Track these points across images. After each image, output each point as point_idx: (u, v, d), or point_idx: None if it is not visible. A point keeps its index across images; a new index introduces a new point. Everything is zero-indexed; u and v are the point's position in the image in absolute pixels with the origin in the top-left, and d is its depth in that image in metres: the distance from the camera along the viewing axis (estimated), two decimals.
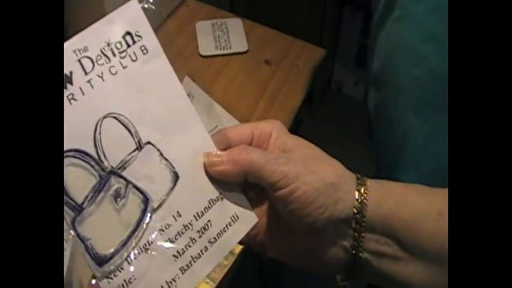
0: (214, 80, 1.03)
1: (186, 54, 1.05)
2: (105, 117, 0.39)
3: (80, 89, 0.38)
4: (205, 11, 1.15)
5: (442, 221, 0.40)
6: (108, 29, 0.40)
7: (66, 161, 0.38)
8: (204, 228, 0.42)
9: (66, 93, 0.38)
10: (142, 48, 0.41)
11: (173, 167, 0.41)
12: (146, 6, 0.41)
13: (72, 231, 0.38)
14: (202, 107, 0.45)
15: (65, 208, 0.37)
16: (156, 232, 0.40)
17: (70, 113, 0.38)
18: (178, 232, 0.41)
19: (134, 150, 0.40)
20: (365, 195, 0.41)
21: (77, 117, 0.38)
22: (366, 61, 0.75)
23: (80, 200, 0.38)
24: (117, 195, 0.39)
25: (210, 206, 0.42)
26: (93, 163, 0.39)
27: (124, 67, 0.40)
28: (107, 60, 0.39)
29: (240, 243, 0.44)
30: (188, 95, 0.43)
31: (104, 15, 0.40)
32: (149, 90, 0.41)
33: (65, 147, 0.38)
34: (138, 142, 0.40)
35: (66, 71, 0.38)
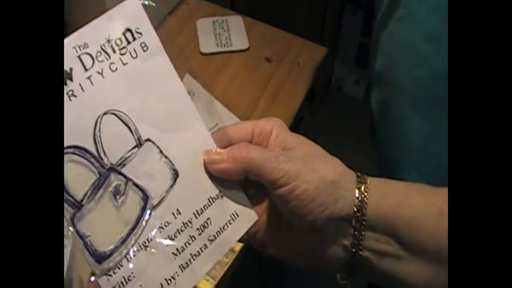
0: (215, 78, 1.02)
1: (187, 52, 1.05)
2: (105, 113, 0.39)
3: (80, 85, 0.38)
4: (206, 9, 1.15)
5: (442, 220, 0.40)
6: (108, 26, 0.39)
7: (66, 157, 0.37)
8: (204, 226, 0.42)
9: (66, 89, 0.38)
10: (143, 45, 0.41)
11: (173, 165, 0.41)
12: (146, 3, 0.41)
13: (71, 228, 0.38)
14: (202, 104, 0.45)
15: (65, 205, 0.37)
16: (155, 229, 0.40)
17: (70, 109, 0.38)
18: (177, 230, 0.41)
19: (134, 147, 0.40)
20: (365, 194, 0.41)
21: (77, 113, 0.38)
22: (366, 61, 0.75)
23: (79, 197, 0.38)
24: (116, 192, 0.39)
25: (209, 203, 0.42)
26: (92, 160, 0.38)
27: (124, 64, 0.40)
28: (107, 57, 0.39)
29: (240, 241, 0.44)
30: (189, 93, 0.42)
31: (104, 12, 0.39)
32: (149, 87, 0.41)
33: (65, 144, 0.37)
34: (138, 139, 0.40)
35: (66, 67, 0.38)
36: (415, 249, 0.41)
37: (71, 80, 0.38)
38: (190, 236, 0.41)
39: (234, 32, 1.10)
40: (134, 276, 0.39)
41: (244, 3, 1.73)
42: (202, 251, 0.42)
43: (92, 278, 0.38)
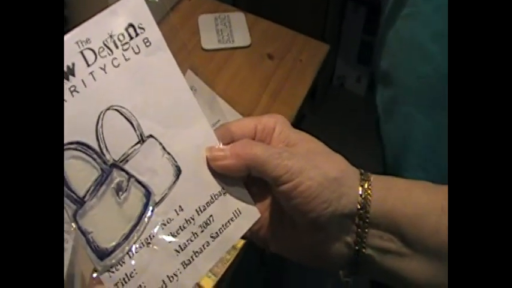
0: (217, 74, 1.02)
1: (189, 48, 1.05)
2: (107, 109, 0.39)
3: (82, 81, 0.38)
4: (208, 5, 1.15)
5: (444, 217, 0.40)
6: (110, 21, 0.39)
7: (68, 153, 0.37)
8: (206, 223, 0.42)
9: (68, 85, 0.37)
10: (145, 40, 0.40)
11: (175, 161, 0.41)
12: None
13: (73, 224, 0.37)
14: (204, 101, 0.45)
15: (67, 201, 0.37)
16: (157, 226, 0.40)
17: (72, 105, 0.37)
18: (180, 226, 0.41)
19: (136, 144, 0.40)
20: (369, 191, 0.41)
21: (79, 109, 0.38)
22: (368, 58, 0.75)
23: (81, 193, 0.38)
24: (119, 189, 0.39)
25: (212, 200, 0.42)
26: (95, 156, 0.38)
27: (127, 59, 0.40)
28: (110, 52, 0.39)
29: (243, 237, 0.44)
30: (190, 89, 0.42)
31: (106, 7, 0.39)
32: (152, 83, 0.41)
33: (67, 140, 0.37)
34: (140, 135, 0.40)
35: (68, 62, 0.37)
36: (418, 246, 0.41)
37: (73, 75, 0.38)
38: (192, 233, 0.41)
39: (236, 29, 1.09)
40: (136, 273, 0.39)
41: None
42: (204, 248, 0.41)
43: (94, 275, 0.38)
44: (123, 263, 0.39)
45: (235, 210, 0.43)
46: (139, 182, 0.40)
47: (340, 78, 2.05)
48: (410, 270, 0.41)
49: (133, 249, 0.39)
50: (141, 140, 0.40)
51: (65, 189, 0.37)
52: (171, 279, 0.40)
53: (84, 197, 0.38)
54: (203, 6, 1.14)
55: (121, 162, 0.39)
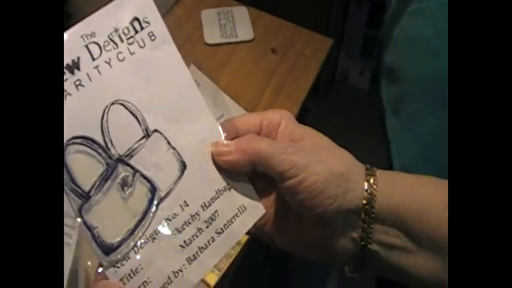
0: (220, 69, 1.02)
1: (192, 43, 1.05)
2: (112, 104, 0.39)
3: (87, 75, 0.38)
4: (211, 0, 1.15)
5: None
6: (115, 15, 0.39)
7: (73, 148, 0.37)
8: (211, 219, 0.42)
9: (73, 79, 0.37)
10: (151, 34, 0.40)
11: (180, 156, 0.41)
12: None
13: (79, 219, 0.37)
14: (208, 95, 0.44)
15: (72, 196, 0.37)
16: (163, 221, 0.40)
17: (77, 99, 0.37)
18: (185, 222, 0.41)
19: (142, 138, 0.40)
20: (374, 186, 0.41)
21: (84, 103, 0.38)
22: (371, 52, 0.74)
23: (87, 188, 0.38)
24: (124, 184, 0.39)
25: (217, 196, 0.42)
26: (100, 150, 0.38)
27: (132, 53, 0.39)
28: (115, 46, 0.39)
29: (248, 233, 0.44)
30: None
31: (111, 1, 0.39)
32: (157, 77, 0.40)
33: (72, 134, 0.37)
34: (146, 130, 0.40)
35: (73, 56, 0.37)
36: (423, 241, 0.41)
37: (78, 69, 0.37)
38: (197, 228, 0.41)
39: (239, 23, 1.09)
40: (142, 268, 0.39)
41: None
42: (209, 244, 0.41)
43: (100, 270, 0.38)
44: (129, 258, 0.39)
45: (240, 206, 0.43)
46: (145, 177, 0.40)
47: (343, 72, 2.05)
48: (415, 266, 0.41)
49: (138, 244, 0.39)
50: (146, 134, 0.40)
51: (70, 183, 0.37)
52: (176, 274, 0.40)
53: (90, 191, 0.38)
54: (206, 0, 1.14)
55: (126, 157, 0.39)
